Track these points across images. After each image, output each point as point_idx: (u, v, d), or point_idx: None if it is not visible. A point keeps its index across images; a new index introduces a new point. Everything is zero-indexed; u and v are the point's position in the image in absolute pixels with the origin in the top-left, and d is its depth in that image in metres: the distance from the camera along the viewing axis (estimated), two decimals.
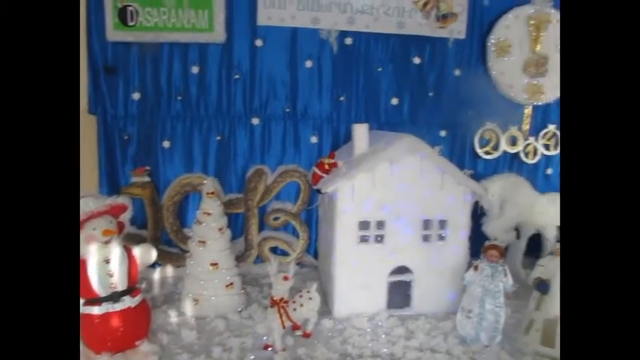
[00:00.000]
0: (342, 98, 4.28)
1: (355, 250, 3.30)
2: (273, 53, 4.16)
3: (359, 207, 3.24)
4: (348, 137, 4.01)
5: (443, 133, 4.47)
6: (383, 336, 3.10)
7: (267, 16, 4.10)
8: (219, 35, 4.02)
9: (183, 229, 4.20)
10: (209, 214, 3.32)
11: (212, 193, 3.36)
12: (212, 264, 3.28)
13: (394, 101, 4.34)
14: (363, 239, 3.32)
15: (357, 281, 3.32)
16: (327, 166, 3.51)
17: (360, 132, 3.45)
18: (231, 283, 3.34)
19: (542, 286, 3.02)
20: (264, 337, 3.04)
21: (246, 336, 3.09)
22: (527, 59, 4.45)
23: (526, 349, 3.01)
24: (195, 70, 4.09)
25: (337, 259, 3.33)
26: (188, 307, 3.30)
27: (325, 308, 3.45)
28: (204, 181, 3.61)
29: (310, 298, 3.07)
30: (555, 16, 4.43)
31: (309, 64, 4.22)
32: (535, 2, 4.36)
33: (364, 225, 3.29)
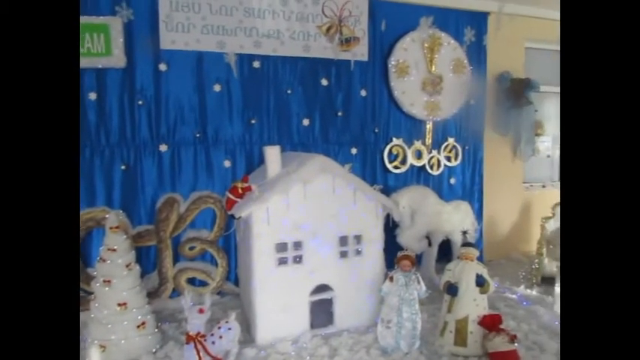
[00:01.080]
0: (253, 121, 4.30)
1: (274, 273, 3.29)
2: (178, 77, 4.08)
3: (275, 229, 3.25)
4: (262, 160, 4.01)
5: (354, 151, 4.66)
6: (307, 358, 3.10)
7: (170, 39, 4.02)
8: (118, 60, 3.86)
9: (87, 269, 3.89)
10: (114, 250, 3.12)
11: (116, 228, 3.16)
12: (120, 304, 3.06)
13: (305, 122, 4.45)
14: (282, 261, 3.32)
15: (279, 304, 3.31)
16: (240, 190, 3.47)
17: (272, 154, 3.48)
18: (143, 323, 3.14)
19: (451, 288, 3.21)
20: None
21: None
22: (425, 79, 4.83)
23: (442, 350, 3.18)
24: (92, 96, 3.87)
25: (257, 284, 3.29)
26: (94, 356, 3.04)
27: (249, 336, 3.39)
28: (107, 215, 3.39)
29: (229, 329, 2.99)
30: (446, 39, 4.88)
31: (217, 87, 4.19)
32: (421, 27, 4.75)
33: (281, 247, 3.30)
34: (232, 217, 3.48)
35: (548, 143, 6.27)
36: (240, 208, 3.32)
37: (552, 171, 6.34)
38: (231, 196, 3.51)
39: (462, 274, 3.19)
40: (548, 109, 6.18)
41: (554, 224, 4.65)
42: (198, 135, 4.17)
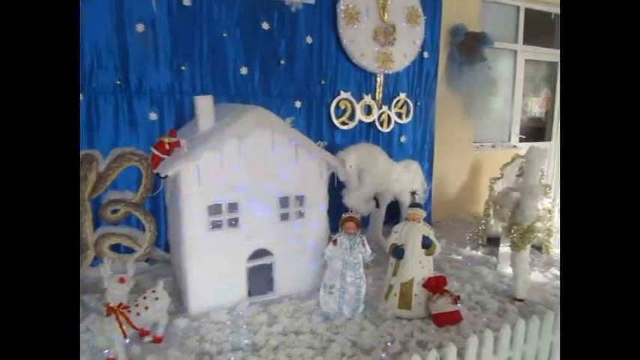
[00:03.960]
0: (183, 67, 4.00)
1: (207, 238, 3.17)
2: (95, 15, 3.66)
3: (207, 190, 3.11)
4: (193, 112, 3.74)
5: (298, 104, 4.52)
6: (244, 326, 3.06)
7: None
8: None
9: None
10: None
11: None
12: None
13: (243, 70, 4.22)
14: (215, 225, 3.22)
15: (213, 272, 3.22)
16: (167, 146, 3.25)
17: (204, 105, 3.27)
18: None
19: (397, 251, 3.25)
20: (106, 351, 2.75)
21: (83, 353, 2.76)
22: (376, 27, 4.69)
23: (386, 314, 3.24)
24: None
25: (188, 250, 3.16)
26: None
27: (181, 307, 3.30)
28: None
29: (157, 298, 2.85)
30: None
31: (140, 27, 3.83)
32: None
33: (215, 209, 3.18)
34: (159, 176, 3.27)
35: (501, 104, 6.40)
36: (166, 166, 3.12)
37: (503, 131, 6.54)
38: (157, 153, 3.29)
39: (408, 236, 3.23)
40: (502, 68, 6.29)
41: (502, 185, 4.81)
42: (118, 82, 3.83)
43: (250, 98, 4.24)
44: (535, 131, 6.89)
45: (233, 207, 3.23)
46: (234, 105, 3.78)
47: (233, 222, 3.26)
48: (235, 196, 3.21)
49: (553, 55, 6.54)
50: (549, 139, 6.93)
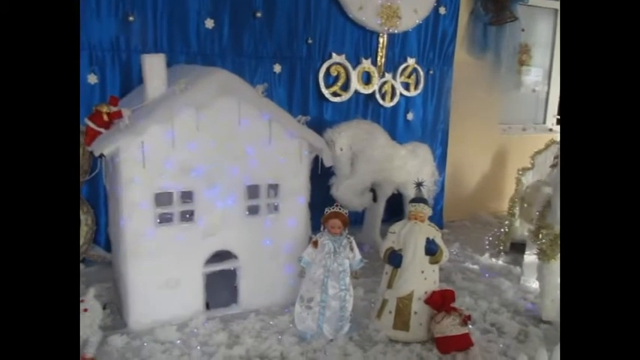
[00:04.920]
0: (131, 18, 3.90)
1: (154, 235, 3.13)
2: None
3: (154, 174, 3.05)
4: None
5: (277, 68, 4.46)
6: (198, 347, 3.03)
7: None
8: None
9: None
10: None
11: None
12: None
13: (209, 24, 4.14)
14: (165, 218, 3.18)
15: (160, 278, 3.19)
16: (106, 117, 3.18)
17: (154, 66, 3.18)
18: None
19: (394, 257, 3.21)
20: None
21: None
22: None
23: (377, 336, 3.21)
24: None
25: (129, 250, 3.12)
26: None
27: (121, 320, 3.29)
28: None
29: (86, 310, 2.81)
30: None
31: None
32: None
33: (164, 198, 3.14)
34: (92, 154, 3.21)
35: (536, 77, 6.36)
36: (102, 142, 3.07)
37: (537, 111, 6.52)
38: (92, 125, 3.20)
39: (408, 238, 3.18)
40: (539, 30, 6.22)
41: (532, 177, 4.77)
42: None
43: (216, 59, 4.18)
44: None
45: (187, 196, 3.18)
46: (194, 67, 3.72)
47: (187, 215, 3.21)
48: (190, 182, 3.15)
49: None
50: None
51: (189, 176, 3.15)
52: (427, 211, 3.27)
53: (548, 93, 6.48)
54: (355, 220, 4.56)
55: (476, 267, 4.46)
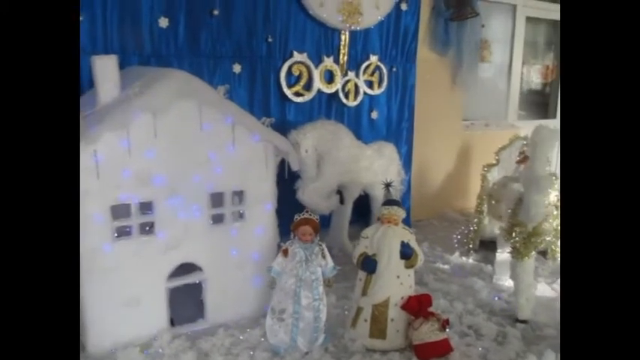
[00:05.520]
0: (81, 18, 3.68)
1: (111, 250, 3.00)
2: None
3: (109, 185, 2.93)
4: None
5: (237, 68, 4.35)
6: None
7: None
8: None
9: None
10: None
11: None
12: None
13: (163, 22, 3.99)
14: (123, 232, 3.08)
15: (120, 295, 3.06)
16: None
17: (106, 68, 3.05)
18: None
19: (368, 263, 3.14)
20: None
21: None
22: None
23: (353, 346, 3.14)
24: None
25: (84, 268, 2.95)
26: None
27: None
28: None
29: None
30: None
31: None
32: None
33: (121, 210, 3.03)
34: None
35: (496, 72, 6.43)
36: None
37: (498, 106, 6.60)
38: None
39: (382, 243, 3.12)
40: (498, 26, 6.29)
41: (497, 174, 4.78)
42: None
43: (172, 60, 4.04)
44: (537, 107, 7.00)
45: (147, 207, 3.10)
46: (149, 68, 3.61)
47: (147, 228, 3.14)
48: (149, 192, 3.06)
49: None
50: (554, 117, 7.04)
51: (148, 186, 3.04)
52: (401, 213, 3.22)
53: (508, 88, 6.56)
54: (322, 224, 4.46)
55: (447, 267, 4.45)
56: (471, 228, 4.83)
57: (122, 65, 3.32)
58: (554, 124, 6.79)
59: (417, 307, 3.09)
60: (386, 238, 3.12)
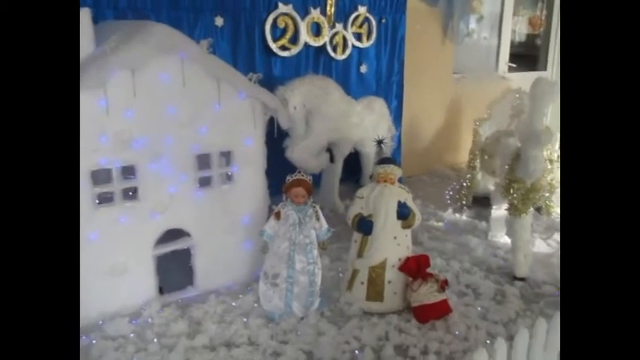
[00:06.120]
0: None
1: (93, 218, 2.90)
2: None
3: (87, 148, 2.77)
4: None
5: (219, 22, 4.23)
6: (155, 340, 2.83)
7: None
8: None
9: None
10: None
11: None
12: None
13: None
14: (104, 198, 2.99)
15: (105, 264, 2.99)
16: None
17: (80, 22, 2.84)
18: None
19: (364, 224, 3.07)
20: None
21: None
22: None
23: (350, 310, 3.10)
24: None
25: None
26: None
27: None
28: None
29: None
30: None
31: None
32: None
33: (102, 176, 2.94)
34: None
35: (487, 24, 6.33)
36: None
37: (488, 58, 6.49)
38: None
39: (378, 203, 3.05)
40: None
41: (489, 128, 4.71)
42: None
43: (150, 13, 3.91)
44: (527, 58, 6.92)
45: (129, 172, 3.01)
46: (125, 22, 3.47)
47: (130, 193, 3.06)
48: (131, 155, 2.96)
49: None
50: (544, 68, 6.99)
51: (129, 149, 2.94)
52: (397, 172, 3.15)
53: (499, 40, 6.47)
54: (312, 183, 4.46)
55: (440, 224, 4.43)
56: (464, 184, 4.78)
57: (96, 20, 3.20)
58: (546, 75, 6.77)
59: (416, 268, 3.06)
60: (382, 198, 3.04)
